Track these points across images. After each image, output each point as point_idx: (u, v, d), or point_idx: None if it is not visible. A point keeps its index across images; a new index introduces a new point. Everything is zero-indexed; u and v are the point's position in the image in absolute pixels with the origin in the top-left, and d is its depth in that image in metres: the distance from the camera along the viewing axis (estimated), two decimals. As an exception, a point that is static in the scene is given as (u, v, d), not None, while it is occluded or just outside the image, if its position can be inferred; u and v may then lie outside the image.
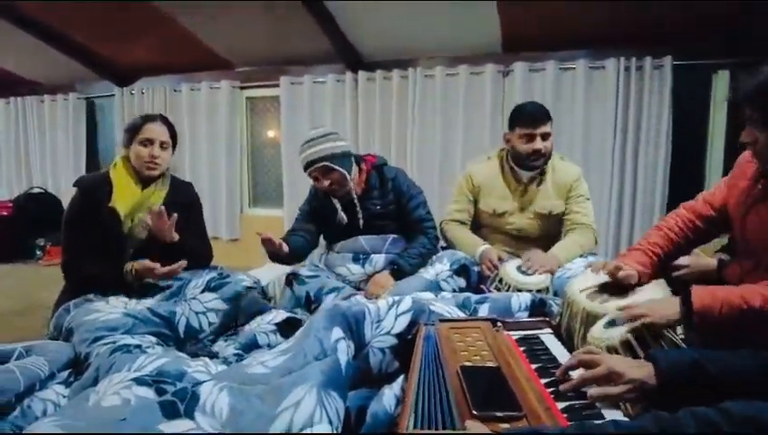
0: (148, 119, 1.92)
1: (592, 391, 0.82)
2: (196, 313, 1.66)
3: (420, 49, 3.84)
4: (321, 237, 2.27)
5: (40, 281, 3.46)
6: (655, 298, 1.31)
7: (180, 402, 0.91)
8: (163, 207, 1.77)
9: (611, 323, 1.22)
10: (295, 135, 4.29)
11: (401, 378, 1.14)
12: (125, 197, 1.83)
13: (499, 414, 0.74)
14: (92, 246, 1.77)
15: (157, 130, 1.89)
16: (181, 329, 1.62)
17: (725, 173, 3.31)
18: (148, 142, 1.86)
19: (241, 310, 1.73)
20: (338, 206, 2.04)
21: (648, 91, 3.41)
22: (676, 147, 3.41)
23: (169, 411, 0.90)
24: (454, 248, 2.12)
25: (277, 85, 4.29)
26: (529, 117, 2.09)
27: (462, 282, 1.87)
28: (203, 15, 3.76)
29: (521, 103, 2.27)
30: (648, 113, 3.42)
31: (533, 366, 0.96)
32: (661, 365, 0.83)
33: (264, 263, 3.12)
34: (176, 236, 1.82)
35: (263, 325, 1.66)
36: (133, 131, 1.88)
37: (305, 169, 2.02)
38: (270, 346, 1.60)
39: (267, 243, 1.89)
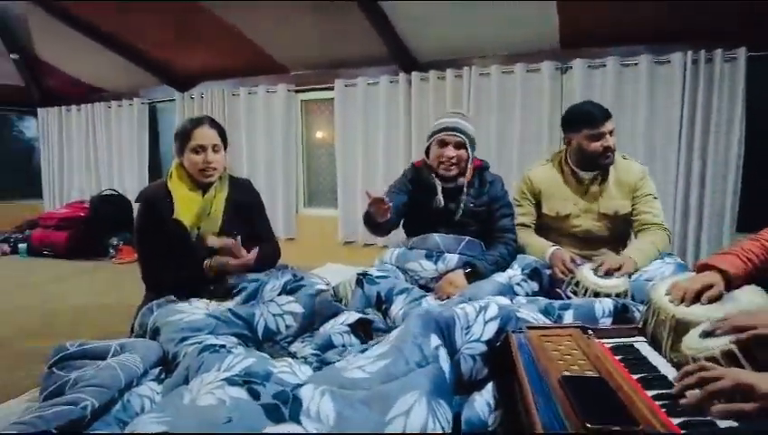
0: (196, 124, 1.88)
1: (719, 407, 0.78)
2: (274, 315, 1.71)
3: (475, 47, 3.81)
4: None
5: (114, 278, 3.66)
6: (752, 305, 1.25)
7: (283, 406, 0.94)
8: (225, 241, 1.82)
9: (708, 333, 1.17)
10: (349, 136, 4.35)
11: (490, 385, 1.14)
12: (187, 207, 1.84)
13: (615, 428, 0.73)
14: (165, 256, 1.82)
15: (207, 135, 1.86)
16: (260, 331, 1.67)
17: None
18: (201, 149, 1.84)
19: (316, 313, 1.77)
20: (439, 188, 2.06)
21: (719, 86, 3.24)
22: (750, 146, 3.23)
23: (274, 415, 0.93)
24: (521, 253, 2.10)
25: (331, 88, 4.35)
26: (595, 116, 2.05)
27: (535, 286, 1.85)
28: (261, 21, 3.86)
29: (577, 105, 2.22)
30: (718, 110, 3.25)
31: (635, 377, 0.94)
32: None
33: (324, 263, 3.18)
34: (246, 255, 1.83)
35: (336, 326, 1.69)
36: (183, 139, 1.86)
37: (438, 132, 2.06)
38: (344, 346, 1.64)
39: (376, 203, 1.80)
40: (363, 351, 1.33)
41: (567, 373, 0.93)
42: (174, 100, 5.04)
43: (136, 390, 1.34)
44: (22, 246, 4.70)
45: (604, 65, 3.51)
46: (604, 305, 1.45)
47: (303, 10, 3.66)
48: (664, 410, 0.82)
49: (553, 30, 3.48)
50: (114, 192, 5.04)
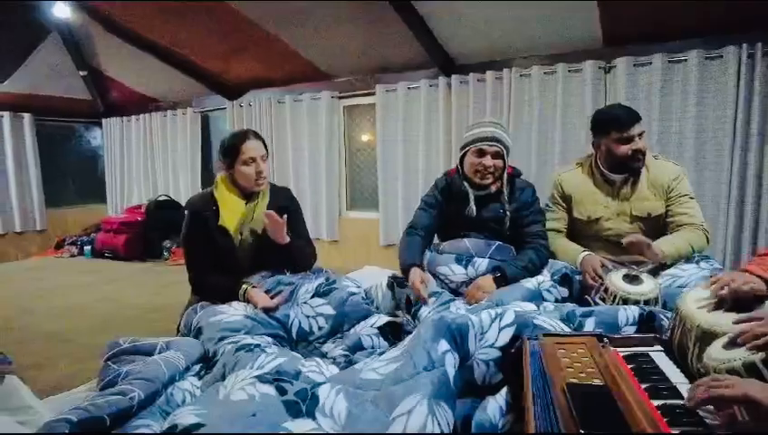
0: (242, 138, 2.01)
1: (722, 421, 0.78)
2: (307, 316, 1.80)
3: (515, 48, 3.78)
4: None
5: (167, 279, 3.91)
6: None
7: (302, 403, 1.02)
8: (273, 212, 1.92)
9: (732, 343, 1.15)
10: (389, 140, 4.42)
11: (504, 389, 1.17)
12: (231, 214, 1.99)
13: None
14: (210, 261, 1.98)
15: (255, 147, 2.00)
16: (294, 331, 1.77)
17: None
18: (251, 160, 1.98)
19: (347, 315, 1.84)
20: (472, 197, 2.09)
21: (778, 82, 3.07)
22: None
23: (293, 410, 1.01)
24: (554, 258, 2.09)
25: (373, 93, 4.43)
26: (623, 119, 2.02)
27: (564, 291, 1.84)
28: (305, 32, 4.00)
29: (606, 108, 2.23)
30: (776, 107, 3.09)
31: (643, 386, 0.94)
32: None
33: (363, 266, 3.28)
34: (287, 238, 1.97)
35: (366, 329, 1.77)
36: (233, 153, 1.99)
37: (474, 142, 2.09)
38: (373, 348, 1.71)
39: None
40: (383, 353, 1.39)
41: (574, 381, 0.96)
42: (224, 108, 5.28)
43: (178, 384, 1.47)
44: (87, 248, 5.09)
45: (650, 63, 3.39)
46: (629, 313, 1.44)
47: (344, 19, 3.76)
48: (666, 419, 0.83)
49: (596, 28, 3.41)
50: (168, 197, 5.35)
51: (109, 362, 1.58)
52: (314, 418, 0.99)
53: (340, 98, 4.71)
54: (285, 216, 1.95)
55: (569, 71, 3.66)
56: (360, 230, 4.75)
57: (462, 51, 3.94)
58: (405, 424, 0.91)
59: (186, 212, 2.03)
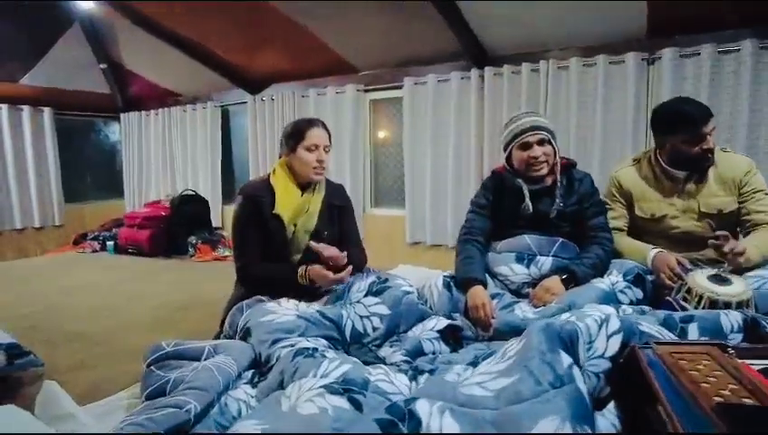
0: (310, 124, 1.93)
1: None
2: (361, 317, 1.68)
3: (552, 39, 3.62)
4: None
5: (195, 276, 3.79)
6: None
7: (401, 423, 0.88)
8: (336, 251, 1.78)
9: None
10: (417, 135, 4.28)
11: (612, 405, 1.03)
12: (287, 203, 1.88)
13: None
14: (263, 250, 1.86)
15: (321, 135, 1.92)
16: (347, 332, 1.64)
17: None
18: (314, 147, 1.89)
19: (402, 315, 1.71)
20: (526, 192, 1.94)
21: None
22: None
23: (392, 432, 0.87)
24: (616, 257, 1.94)
25: (400, 87, 4.30)
26: (695, 118, 1.86)
27: (639, 293, 1.70)
28: (331, 22, 3.87)
29: (673, 104, 2.03)
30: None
31: (801, 407, 0.80)
32: None
33: (395, 264, 3.14)
34: (345, 259, 1.80)
35: (426, 332, 1.64)
36: (297, 138, 1.91)
37: (520, 134, 1.94)
38: (434, 353, 1.57)
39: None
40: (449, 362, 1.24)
41: (720, 400, 0.82)
42: (245, 102, 5.17)
43: (232, 393, 1.34)
44: (110, 244, 4.99)
45: (698, 54, 3.23)
46: (731, 319, 1.29)
47: (373, 8, 3.63)
48: None
49: (640, 17, 3.25)
50: (193, 192, 5.23)
51: (152, 368, 1.45)
52: (422, 442, 0.86)
53: (366, 91, 4.58)
54: (345, 253, 1.79)
55: (610, 63, 3.50)
56: (385, 228, 4.61)
57: (496, 41, 3.78)
58: None
59: (239, 197, 1.93)
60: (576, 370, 0.94)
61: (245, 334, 1.60)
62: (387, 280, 1.82)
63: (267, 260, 1.87)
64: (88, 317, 2.72)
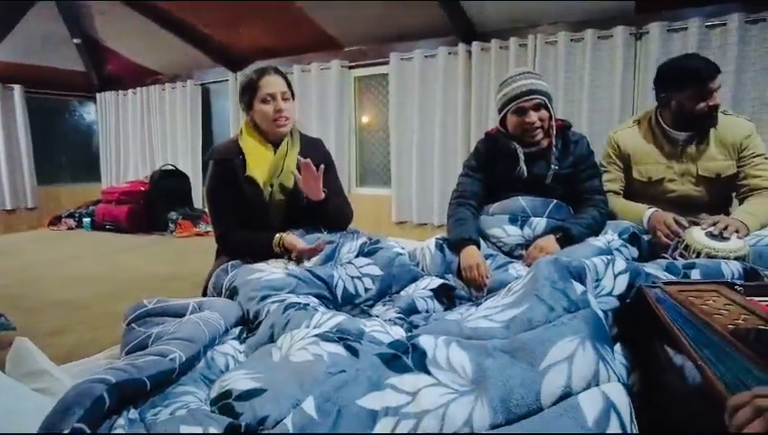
0: (261, 73, 1.78)
1: None
2: (352, 277, 1.62)
3: (540, 13, 3.59)
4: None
5: (177, 250, 3.68)
6: None
7: (404, 356, 0.83)
8: (308, 161, 1.69)
9: None
10: (403, 113, 4.22)
11: (619, 346, 0.99)
12: (259, 163, 1.77)
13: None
14: (239, 216, 1.76)
15: (275, 82, 1.77)
16: (339, 293, 1.58)
17: None
18: (270, 98, 1.75)
19: (395, 276, 1.66)
20: (521, 156, 1.88)
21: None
22: None
23: (396, 366, 0.82)
24: (612, 220, 1.92)
25: (386, 63, 4.22)
26: (702, 72, 1.82)
27: (635, 252, 1.67)
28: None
29: (680, 59, 1.98)
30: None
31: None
32: None
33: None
34: (323, 193, 1.76)
35: (419, 291, 1.59)
36: (251, 91, 1.77)
37: (515, 98, 1.86)
38: (428, 311, 1.53)
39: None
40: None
41: (742, 324, 0.78)
42: (227, 80, 5.04)
43: (218, 348, 1.27)
44: (86, 220, 4.82)
45: (685, 28, 3.23)
46: (732, 267, 1.27)
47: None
48: None
49: (627, -8, 3.24)
50: (173, 167, 5.09)
51: (133, 326, 1.37)
52: (428, 373, 0.80)
53: (351, 68, 4.50)
54: (322, 166, 1.73)
55: (598, 37, 3.48)
56: (370, 207, 4.55)
57: (484, 16, 3.73)
58: (568, 374, 0.72)
59: (209, 163, 1.81)
60: (591, 296, 0.90)
61: (232, 294, 1.53)
62: (378, 241, 1.77)
63: (247, 226, 1.77)
64: (69, 286, 2.62)
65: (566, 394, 0.70)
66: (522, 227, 1.82)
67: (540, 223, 1.81)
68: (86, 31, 5.11)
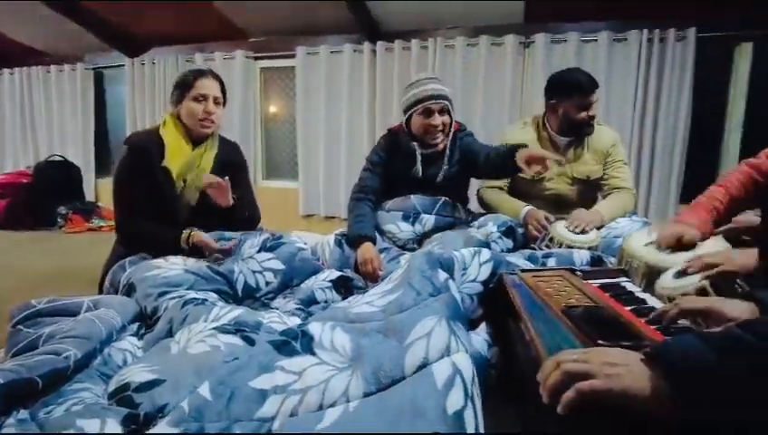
0: (199, 73, 1.84)
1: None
2: (253, 271, 1.68)
3: (441, 18, 3.80)
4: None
5: (67, 247, 3.43)
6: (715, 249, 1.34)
7: (294, 341, 0.92)
8: (218, 178, 1.75)
9: (681, 274, 1.25)
10: (310, 106, 4.27)
11: (483, 325, 1.17)
12: (177, 155, 1.79)
13: (627, 343, 0.76)
14: (146, 206, 1.75)
15: (210, 85, 1.82)
16: (239, 287, 1.63)
17: (745, 143, 3.41)
18: (202, 98, 1.80)
19: (296, 270, 1.74)
20: (419, 156, 2.03)
21: (671, 64, 3.41)
22: (694, 119, 3.44)
23: (285, 350, 0.91)
24: (493, 211, 2.14)
25: (293, 55, 4.24)
26: (585, 85, 2.09)
27: (510, 243, 1.90)
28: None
29: (568, 72, 2.24)
30: (669, 85, 3.43)
31: (627, 308, 0.98)
32: (766, 302, 0.85)
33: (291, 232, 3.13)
34: (231, 200, 1.80)
35: (318, 282, 1.68)
36: (184, 88, 1.81)
37: (423, 100, 1.98)
38: (327, 302, 1.63)
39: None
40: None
41: (572, 303, 0.97)
42: (123, 66, 4.75)
43: (116, 344, 1.29)
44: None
45: (566, 40, 3.60)
46: (582, 256, 1.52)
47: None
48: (659, 332, 0.87)
49: (518, 4, 3.54)
50: (61, 158, 4.70)
51: (20, 327, 1.33)
52: (314, 354, 0.90)
53: (257, 59, 4.45)
54: (227, 178, 1.77)
55: (491, 44, 3.76)
56: (278, 200, 4.55)
57: (388, 16, 3.87)
58: (426, 347, 0.85)
59: (123, 147, 1.79)
60: (452, 283, 1.06)
61: (129, 291, 1.53)
62: (281, 237, 1.83)
63: (152, 218, 1.77)
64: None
65: (424, 364, 0.84)
66: (413, 224, 1.98)
67: (429, 220, 1.98)
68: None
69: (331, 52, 4.14)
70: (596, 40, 3.54)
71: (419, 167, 2.04)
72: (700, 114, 3.47)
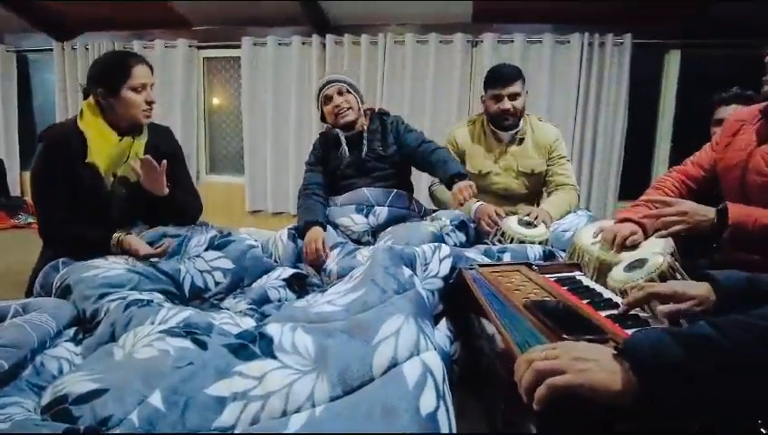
0: (134, 60, 1.66)
1: (662, 307, 0.89)
2: (201, 271, 1.59)
3: (391, 15, 3.79)
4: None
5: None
6: (656, 249, 1.40)
7: (252, 344, 0.87)
8: (149, 156, 1.63)
9: (631, 267, 1.30)
10: (257, 99, 4.14)
11: (444, 320, 1.16)
12: (102, 148, 1.63)
13: (590, 337, 0.78)
14: (73, 205, 1.60)
15: (147, 74, 1.68)
16: (186, 287, 1.55)
17: (675, 142, 3.65)
18: (142, 87, 1.66)
19: (247, 269, 1.67)
20: (342, 139, 2.12)
21: (609, 67, 3.58)
22: (630, 118, 3.63)
23: (243, 354, 0.86)
24: (445, 209, 2.16)
25: (238, 46, 4.10)
26: (498, 78, 2.17)
27: (462, 237, 1.91)
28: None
29: (494, 66, 2.33)
30: (608, 87, 3.60)
31: (584, 301, 1.01)
32: (720, 280, 0.90)
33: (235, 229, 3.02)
34: (166, 190, 1.70)
35: (271, 281, 1.63)
36: (120, 76, 1.64)
37: (322, 88, 2.16)
38: (280, 301, 1.58)
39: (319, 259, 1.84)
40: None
41: (532, 297, 0.98)
42: (51, 50, 4.41)
43: (49, 352, 1.18)
44: None
45: (512, 41, 3.69)
46: (535, 250, 1.55)
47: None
48: (617, 324, 0.89)
49: (466, 4, 3.59)
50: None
51: (-64, 336, 1.19)
52: (275, 357, 0.85)
53: (200, 48, 4.26)
54: (164, 161, 1.66)
55: (440, 42, 3.79)
56: (223, 196, 4.40)
57: (338, 10, 3.82)
58: (395, 347, 0.83)
59: (39, 144, 1.62)
60: (416, 278, 1.04)
61: (64, 293, 1.41)
62: (230, 234, 1.76)
63: (81, 219, 1.62)
64: None
65: (393, 364, 0.82)
66: (367, 216, 1.98)
67: (383, 211, 1.99)
68: None
69: (279, 43, 4.03)
70: (541, 41, 3.65)
71: (345, 148, 2.12)
72: (636, 116, 3.67)
